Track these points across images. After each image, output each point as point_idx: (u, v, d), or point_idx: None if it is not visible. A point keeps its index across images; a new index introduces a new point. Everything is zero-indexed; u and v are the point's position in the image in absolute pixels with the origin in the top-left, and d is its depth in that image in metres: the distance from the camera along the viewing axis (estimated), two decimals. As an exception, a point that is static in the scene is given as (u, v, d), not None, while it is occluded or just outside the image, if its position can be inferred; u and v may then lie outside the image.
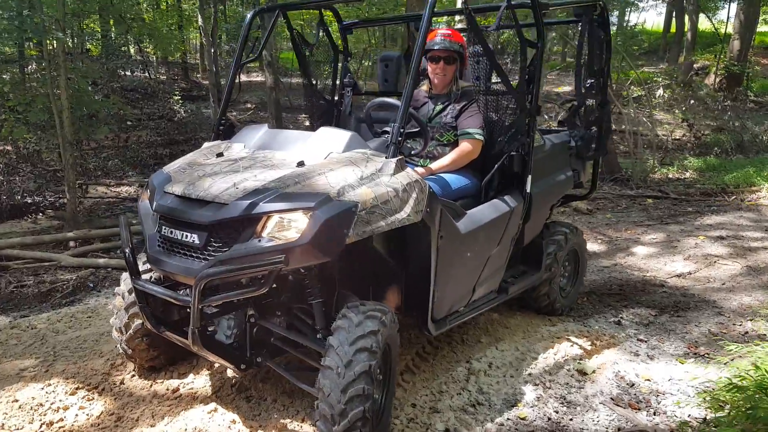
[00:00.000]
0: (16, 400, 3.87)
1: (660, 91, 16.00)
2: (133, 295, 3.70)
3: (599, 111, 5.18)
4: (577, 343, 4.69)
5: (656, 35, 33.46)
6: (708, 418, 3.65)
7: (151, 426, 3.61)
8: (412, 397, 3.88)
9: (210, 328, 3.68)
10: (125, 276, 3.94)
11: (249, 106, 19.22)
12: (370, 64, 20.26)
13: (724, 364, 3.83)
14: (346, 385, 2.97)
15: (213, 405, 3.76)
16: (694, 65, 22.66)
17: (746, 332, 5.00)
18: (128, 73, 19.05)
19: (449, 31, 4.47)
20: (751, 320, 5.22)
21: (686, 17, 24.12)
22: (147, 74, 20.28)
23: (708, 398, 3.56)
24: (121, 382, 4.09)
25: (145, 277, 3.56)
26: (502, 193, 4.35)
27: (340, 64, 5.69)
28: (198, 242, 3.16)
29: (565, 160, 5.06)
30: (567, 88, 21.92)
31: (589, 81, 5.03)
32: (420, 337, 4.59)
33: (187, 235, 3.21)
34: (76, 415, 3.74)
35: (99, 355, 4.49)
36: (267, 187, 3.12)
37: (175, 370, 4.20)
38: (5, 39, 9.89)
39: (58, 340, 4.80)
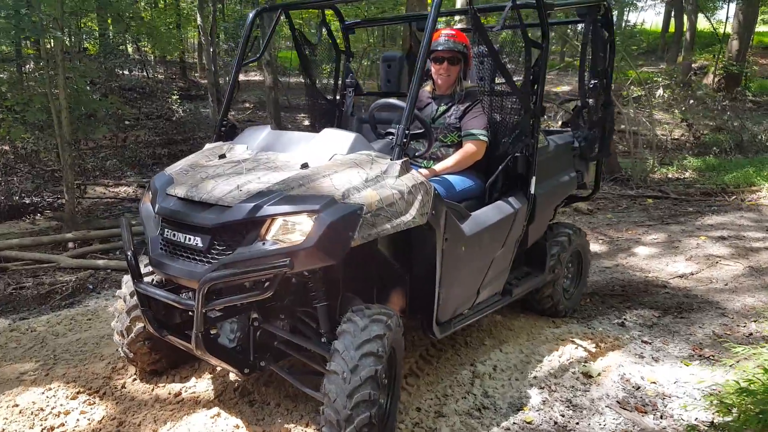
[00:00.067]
0: (17, 405, 3.83)
1: (660, 91, 15.99)
2: (135, 298, 3.67)
3: (603, 112, 5.16)
4: (581, 346, 4.66)
5: (654, 35, 33.49)
6: (716, 421, 3.62)
7: (154, 431, 3.57)
8: (416, 400, 3.85)
9: (213, 332, 3.64)
10: (126, 279, 3.90)
11: (247, 105, 19.20)
12: (368, 63, 20.22)
13: (730, 366, 3.81)
14: (352, 390, 2.94)
15: (216, 409, 3.72)
16: (693, 65, 22.66)
17: (750, 334, 4.98)
18: (126, 72, 19.00)
19: (453, 32, 4.44)
20: (755, 321, 5.20)
21: (685, 17, 24.11)
22: (145, 73, 20.23)
23: (715, 401, 3.53)
24: (123, 386, 4.05)
25: (146, 279, 3.53)
26: (506, 194, 4.32)
27: (342, 64, 5.65)
28: (201, 245, 3.12)
29: (568, 161, 5.03)
30: (566, 88, 21.95)
31: (592, 81, 5.00)
32: (423, 340, 4.55)
33: (190, 238, 3.17)
34: (78, 419, 3.70)
35: (100, 358, 4.46)
36: (271, 189, 3.08)
37: (177, 373, 4.16)
38: (2, 38, 9.82)
39: (58, 343, 4.76)
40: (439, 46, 4.32)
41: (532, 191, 4.35)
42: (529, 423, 3.67)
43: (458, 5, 10.40)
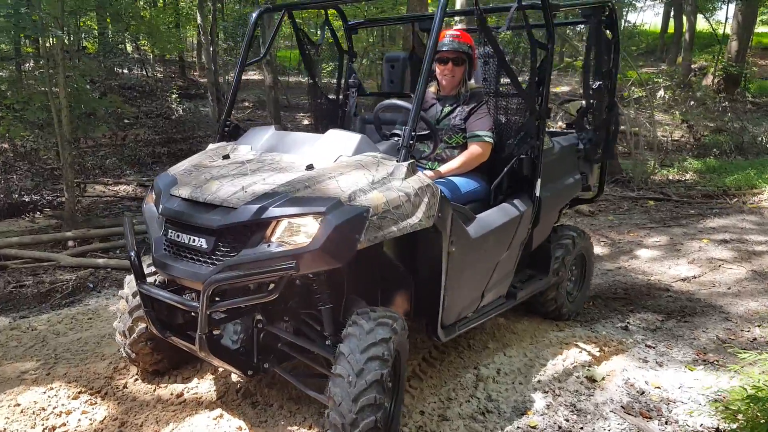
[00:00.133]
0: (18, 404, 3.80)
1: (661, 92, 15.99)
2: (138, 298, 3.64)
3: (607, 113, 5.13)
4: (585, 350, 4.63)
5: (653, 35, 33.50)
6: (721, 428, 3.60)
7: (156, 432, 3.56)
8: (420, 404, 3.82)
9: (215, 332, 3.62)
10: (129, 279, 3.88)
11: (247, 104, 19.18)
12: (368, 63, 20.21)
13: (736, 372, 3.78)
14: (357, 395, 2.92)
15: (218, 411, 3.70)
16: (692, 66, 22.66)
17: (755, 339, 4.96)
18: (125, 71, 18.97)
19: (458, 32, 4.41)
20: (759, 326, 5.18)
21: (684, 17, 24.11)
22: (144, 72, 20.20)
23: (721, 408, 3.50)
24: (124, 386, 4.02)
25: (149, 280, 3.50)
26: (511, 196, 4.30)
27: (345, 64, 5.63)
28: (206, 246, 3.09)
29: (573, 163, 5.00)
30: (565, 88, 21.96)
31: (597, 83, 4.97)
32: (426, 342, 4.53)
33: (194, 239, 3.14)
34: (79, 419, 3.68)
35: (101, 358, 4.43)
36: (276, 191, 3.05)
37: (178, 374, 4.14)
38: (2, 37, 9.80)
39: (59, 342, 4.73)
40: (443, 47, 4.29)
41: (537, 194, 4.32)
42: (533, 427, 3.65)
43: (458, 6, 10.38)
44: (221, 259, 3.05)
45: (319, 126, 5.54)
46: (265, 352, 3.56)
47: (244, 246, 3.02)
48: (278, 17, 4.82)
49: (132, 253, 3.40)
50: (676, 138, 15.92)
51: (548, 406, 3.88)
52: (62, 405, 3.80)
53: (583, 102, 5.17)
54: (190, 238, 3.15)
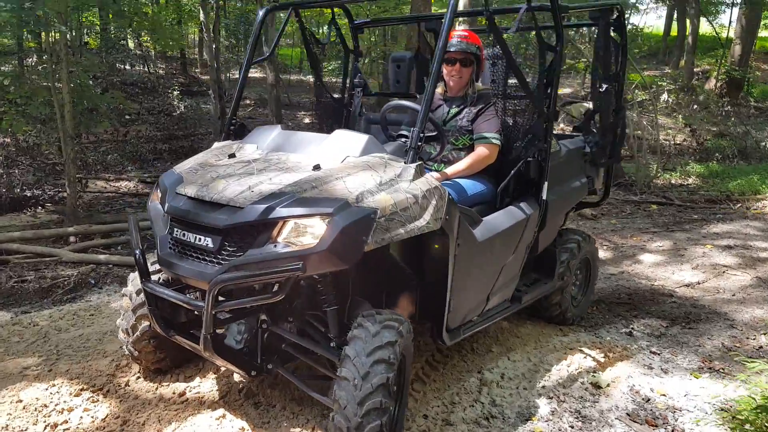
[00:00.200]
0: (20, 401, 3.78)
1: (665, 96, 15.95)
2: (141, 296, 3.62)
3: (614, 117, 5.10)
4: (589, 355, 4.60)
5: (656, 38, 33.44)
6: (728, 436, 3.58)
7: (158, 431, 3.52)
8: (423, 408, 3.80)
9: (219, 332, 3.59)
10: (132, 276, 3.86)
11: (248, 102, 19.12)
12: (369, 62, 20.18)
13: (743, 381, 3.75)
14: (363, 398, 2.89)
15: (221, 411, 3.67)
16: (695, 69, 22.62)
17: (760, 347, 4.92)
18: (127, 67, 18.92)
19: (466, 33, 4.38)
20: (764, 334, 5.14)
21: (687, 21, 24.06)
22: (146, 68, 20.15)
23: (728, 417, 3.48)
24: (127, 384, 4.00)
25: (153, 278, 3.47)
26: (518, 199, 4.26)
27: (350, 63, 5.60)
28: (212, 246, 3.07)
29: (580, 167, 4.97)
30: (567, 90, 21.89)
31: (604, 86, 4.94)
32: (429, 345, 4.50)
33: (200, 238, 3.11)
34: (81, 417, 3.66)
35: (103, 355, 4.40)
36: (283, 191, 3.03)
37: (181, 372, 4.11)
38: (6, 32, 9.76)
39: (60, 339, 4.71)
40: (451, 47, 4.26)
41: (544, 197, 4.29)
42: (538, 433, 3.63)
43: (461, 7, 10.34)
44: (227, 258, 3.03)
45: (323, 125, 5.51)
46: (268, 353, 3.54)
47: (251, 246, 2.99)
48: (284, 16, 4.79)
49: (137, 251, 3.38)
50: (678, 142, 15.88)
51: (553, 412, 3.85)
52: (64, 402, 3.78)
53: (587, 104, 5.14)
54: (196, 237, 3.13)
